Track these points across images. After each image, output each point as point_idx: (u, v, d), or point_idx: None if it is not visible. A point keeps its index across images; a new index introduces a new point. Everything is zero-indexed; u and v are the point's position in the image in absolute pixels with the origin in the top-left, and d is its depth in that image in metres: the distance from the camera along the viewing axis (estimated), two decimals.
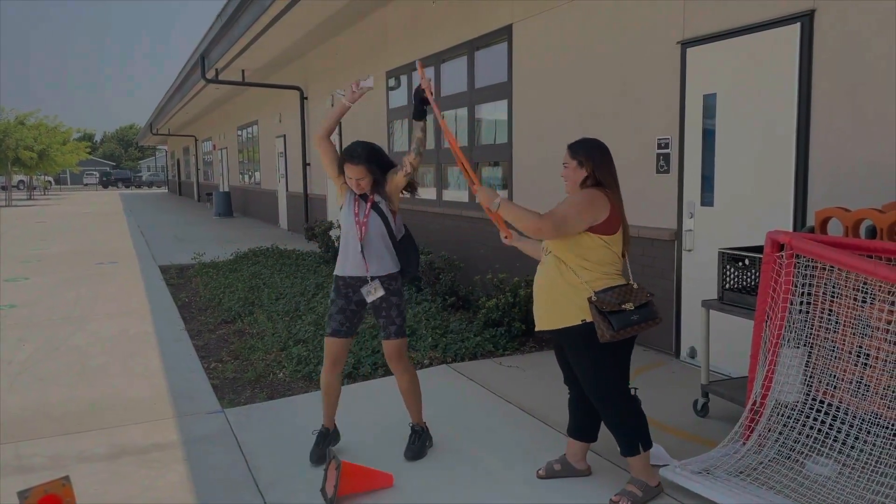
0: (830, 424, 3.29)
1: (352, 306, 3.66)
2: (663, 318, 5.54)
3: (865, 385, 3.18)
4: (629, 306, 3.07)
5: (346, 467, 3.22)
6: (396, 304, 3.64)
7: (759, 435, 3.46)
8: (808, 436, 3.36)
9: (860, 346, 3.20)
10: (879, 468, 3.10)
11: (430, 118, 3.72)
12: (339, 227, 10.83)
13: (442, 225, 9.09)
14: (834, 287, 3.30)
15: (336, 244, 10.70)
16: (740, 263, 3.99)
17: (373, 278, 3.59)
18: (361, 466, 3.39)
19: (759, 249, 3.95)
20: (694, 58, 5.10)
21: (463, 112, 8.42)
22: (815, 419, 3.34)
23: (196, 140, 34.24)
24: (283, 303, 7.42)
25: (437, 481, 3.48)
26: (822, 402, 3.35)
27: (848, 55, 4.11)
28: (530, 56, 7.02)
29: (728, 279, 4.03)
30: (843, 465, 3.26)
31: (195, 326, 6.89)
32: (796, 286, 3.40)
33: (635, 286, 3.17)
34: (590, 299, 3.06)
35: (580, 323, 3.10)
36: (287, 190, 17.37)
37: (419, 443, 3.76)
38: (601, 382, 3.16)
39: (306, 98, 15.13)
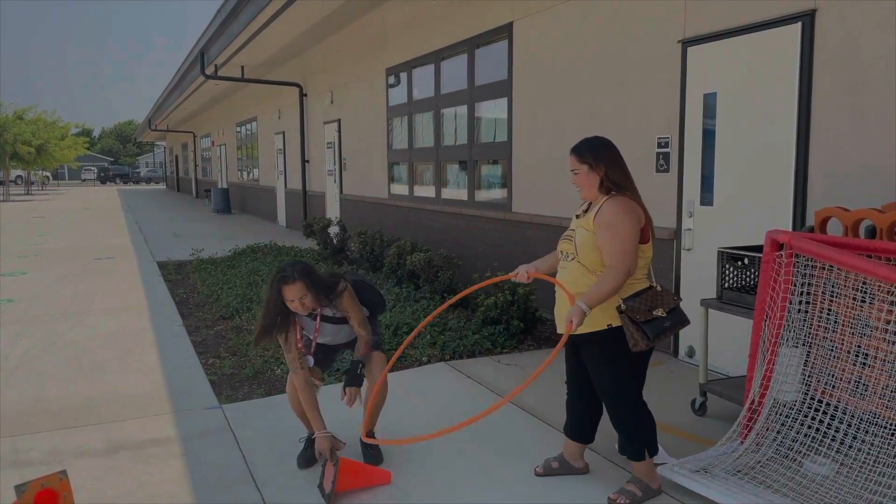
0: (829, 424, 3.29)
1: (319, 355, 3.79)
2: None
3: (864, 385, 3.18)
4: (660, 312, 3.01)
5: (344, 464, 3.22)
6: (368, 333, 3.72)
7: (757, 434, 3.46)
8: (806, 435, 3.37)
9: (859, 346, 3.21)
10: (877, 468, 3.10)
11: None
12: (337, 225, 10.82)
13: (441, 223, 9.09)
14: (833, 287, 3.30)
15: (335, 241, 10.70)
16: (739, 263, 3.99)
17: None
18: (360, 463, 3.39)
19: (758, 249, 3.95)
20: (694, 57, 5.09)
21: (462, 110, 8.41)
22: (813, 418, 3.34)
23: (195, 136, 34.20)
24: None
25: (435, 479, 3.48)
26: (820, 401, 3.35)
27: (848, 55, 4.11)
28: (531, 54, 7.01)
29: (727, 278, 4.03)
30: (841, 464, 3.26)
31: (193, 322, 6.88)
32: (795, 285, 3.40)
33: (659, 288, 3.12)
34: (619, 309, 3.00)
35: (606, 328, 3.06)
36: (286, 187, 17.35)
37: (376, 448, 3.71)
38: (619, 388, 3.13)
39: (305, 95, 15.11)
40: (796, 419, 3.40)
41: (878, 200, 3.98)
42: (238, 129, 23.24)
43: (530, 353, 5.71)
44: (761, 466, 3.36)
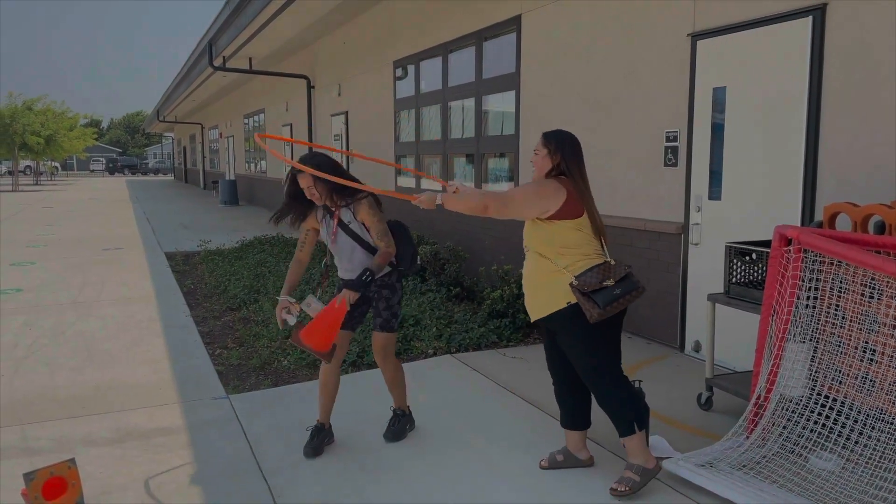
0: (835, 420, 3.28)
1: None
2: (667, 310, 5.55)
3: (871, 381, 3.17)
4: (609, 282, 3.09)
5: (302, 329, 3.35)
6: (386, 298, 3.66)
7: (763, 429, 3.46)
8: (812, 430, 3.36)
9: (866, 342, 3.20)
10: (883, 463, 3.09)
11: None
12: None
13: (447, 215, 9.09)
14: (841, 282, 3.29)
15: None
16: (747, 257, 3.98)
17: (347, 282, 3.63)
18: (316, 321, 3.40)
19: (766, 244, 3.94)
20: (704, 50, 5.07)
21: (470, 103, 8.39)
22: (819, 414, 3.34)
23: (203, 128, 34.25)
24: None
25: (440, 471, 3.49)
26: (826, 397, 3.34)
27: (859, 50, 4.08)
28: (539, 47, 6.99)
29: (735, 273, 4.02)
30: (847, 460, 3.26)
31: (200, 313, 6.91)
32: (803, 281, 3.39)
33: (612, 262, 3.19)
34: (571, 284, 3.10)
35: (566, 305, 3.14)
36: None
37: (399, 425, 3.84)
38: (593, 361, 3.18)
39: (313, 87, 15.11)
40: (802, 415, 3.40)
41: (887, 196, 3.96)
42: (246, 120, 23.26)
43: (536, 347, 5.71)
44: (767, 461, 3.36)
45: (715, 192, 5.08)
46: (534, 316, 3.30)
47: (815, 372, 3.39)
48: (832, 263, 3.31)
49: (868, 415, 3.16)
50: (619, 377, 3.23)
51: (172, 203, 23.73)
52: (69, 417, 4.19)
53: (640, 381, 3.73)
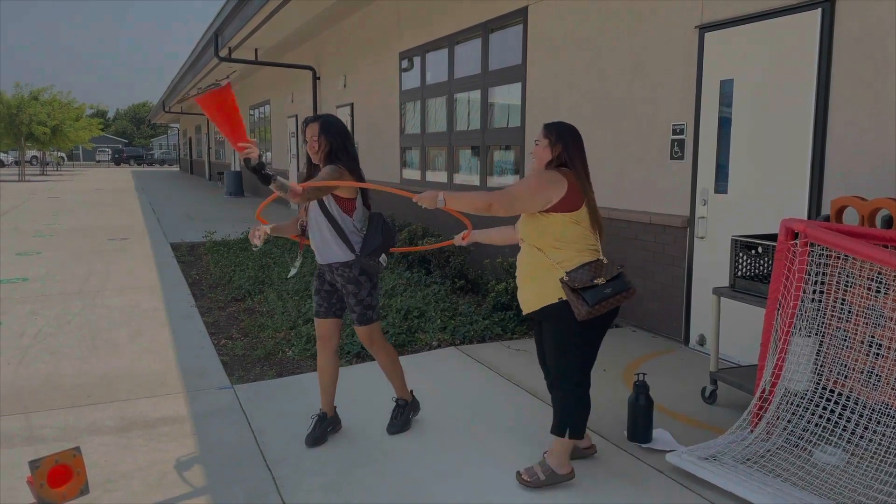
0: (840, 414, 3.27)
1: (325, 287, 3.67)
2: (672, 304, 5.53)
3: (876, 375, 3.16)
4: (600, 281, 3.08)
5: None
6: (353, 293, 3.56)
7: (768, 423, 3.45)
8: (816, 424, 3.35)
9: (872, 336, 3.18)
10: (888, 458, 3.09)
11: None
12: None
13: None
14: (848, 276, 3.28)
15: None
16: (753, 251, 3.96)
17: (322, 266, 3.62)
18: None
19: (772, 237, 3.92)
20: (712, 43, 5.04)
21: (476, 95, 8.37)
22: (824, 408, 3.33)
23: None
24: (292, 282, 7.44)
25: (444, 461, 3.50)
26: (831, 391, 3.33)
27: (869, 43, 4.05)
28: (545, 39, 6.96)
29: (741, 267, 4.00)
30: (852, 454, 3.25)
31: (205, 303, 6.93)
32: (809, 275, 3.38)
33: (605, 260, 3.17)
34: (562, 280, 3.09)
35: (557, 301, 3.13)
36: (298, 170, 17.37)
37: (402, 417, 3.83)
38: (567, 359, 3.17)
39: (319, 78, 15.09)
40: (807, 409, 3.39)
41: (895, 190, 3.94)
42: (251, 112, 23.26)
43: None
44: (771, 455, 3.35)
45: (721, 185, 5.05)
46: (525, 309, 3.29)
47: (821, 366, 3.38)
48: (839, 257, 3.29)
49: (873, 409, 3.16)
50: (582, 381, 3.20)
51: (178, 194, 23.76)
52: (74, 406, 4.21)
53: (644, 374, 3.73)
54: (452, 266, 7.39)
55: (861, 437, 3.20)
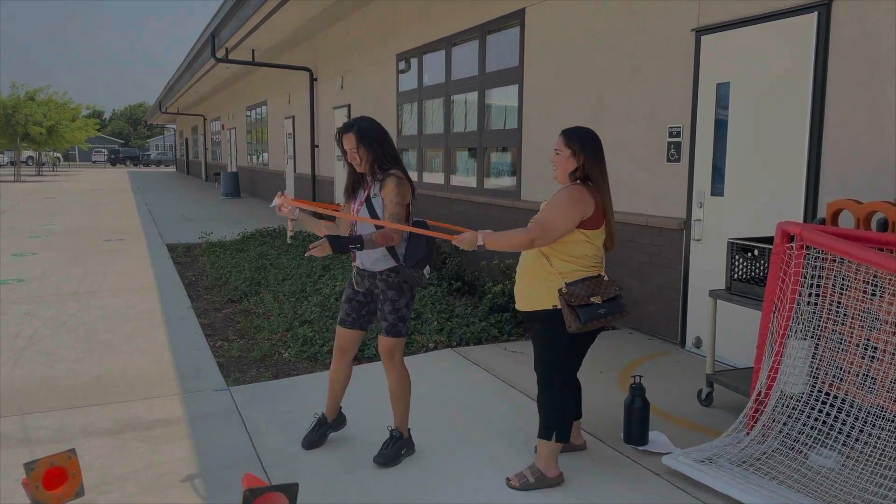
0: (835, 417, 3.28)
1: (358, 297, 3.53)
2: (668, 306, 5.54)
3: (872, 378, 3.17)
4: (597, 300, 3.10)
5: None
6: (391, 300, 3.39)
7: (764, 425, 3.46)
8: (812, 427, 3.36)
9: (868, 339, 3.19)
10: (883, 461, 3.10)
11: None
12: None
13: (449, 209, 9.08)
14: (843, 279, 3.28)
15: None
16: (749, 254, 3.97)
17: (363, 271, 3.46)
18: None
19: (768, 240, 3.93)
20: (708, 46, 5.05)
21: (473, 97, 8.37)
22: (820, 411, 3.33)
23: (205, 119, 34.22)
24: (289, 283, 7.44)
25: (441, 464, 3.49)
26: (827, 394, 3.34)
27: (865, 46, 4.06)
28: (542, 41, 6.97)
29: (737, 269, 4.01)
30: (847, 457, 3.26)
31: (201, 305, 6.92)
32: (805, 278, 3.39)
33: (605, 278, 3.20)
34: (560, 291, 3.10)
35: (550, 308, 3.15)
36: (295, 171, 17.36)
37: (393, 449, 3.48)
38: (550, 365, 3.20)
39: (316, 79, 15.08)
40: (803, 411, 3.39)
41: (891, 193, 3.95)
42: (248, 112, 23.24)
43: None
44: (767, 458, 3.36)
45: (717, 188, 5.06)
46: (519, 306, 3.33)
47: (816, 369, 3.38)
48: (834, 260, 3.30)
49: (869, 412, 3.16)
50: (567, 384, 3.23)
51: (174, 195, 23.72)
52: (70, 408, 4.20)
53: (640, 376, 3.73)
54: (449, 268, 7.39)
55: (856, 439, 3.21)
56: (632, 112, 5.82)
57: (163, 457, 3.55)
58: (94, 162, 68.46)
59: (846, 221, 3.99)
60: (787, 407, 3.44)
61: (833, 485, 3.10)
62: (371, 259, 3.40)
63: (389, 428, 3.60)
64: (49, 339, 5.66)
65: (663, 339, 5.67)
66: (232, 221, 14.89)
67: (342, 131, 3.38)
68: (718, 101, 5.00)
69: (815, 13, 4.28)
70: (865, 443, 3.18)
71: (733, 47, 4.85)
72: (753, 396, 3.53)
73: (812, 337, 3.40)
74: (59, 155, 53.92)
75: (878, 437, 3.13)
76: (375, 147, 3.34)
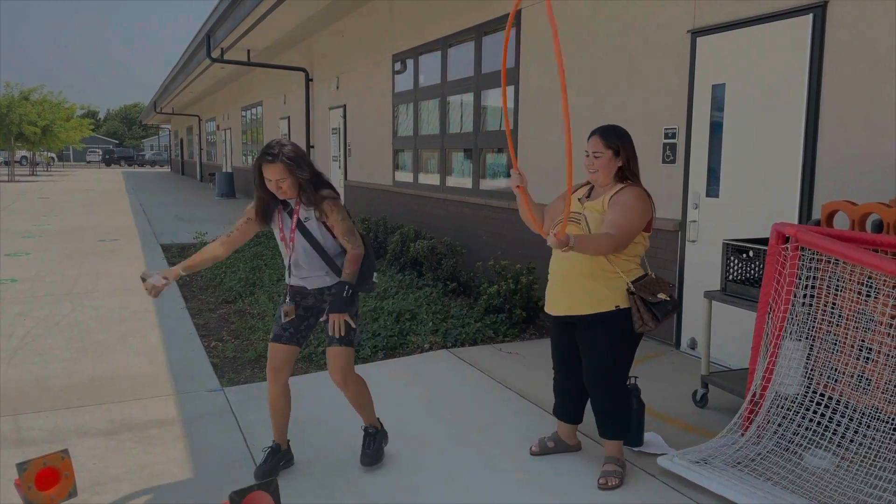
0: (830, 418, 3.29)
1: (298, 311, 3.35)
2: None
3: (866, 379, 3.17)
4: (663, 296, 3.11)
5: None
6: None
7: (758, 426, 3.46)
8: (807, 428, 3.36)
9: (862, 341, 3.20)
10: (878, 462, 3.10)
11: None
12: None
13: (445, 210, 9.07)
14: (838, 281, 3.29)
15: None
16: (744, 255, 3.98)
17: (305, 289, 3.33)
18: None
19: (763, 241, 3.93)
20: (704, 47, 5.06)
21: (469, 98, 8.37)
22: (814, 412, 3.34)
23: (200, 120, 34.15)
24: (284, 284, 7.42)
25: (436, 465, 3.49)
26: (822, 395, 3.34)
27: (860, 48, 4.08)
28: (538, 42, 6.97)
29: (732, 270, 4.02)
30: (842, 458, 3.26)
31: (196, 305, 6.90)
32: (800, 279, 3.39)
33: (654, 276, 3.22)
34: (630, 290, 3.10)
35: (614, 309, 3.11)
36: None
37: (375, 446, 3.42)
38: (613, 370, 3.20)
39: (311, 80, 15.06)
40: (797, 412, 3.40)
41: (885, 195, 3.96)
42: (243, 113, 23.20)
43: (532, 342, 5.71)
44: (761, 459, 3.36)
45: (713, 189, 5.07)
46: (565, 311, 3.20)
47: (811, 370, 3.39)
48: (829, 261, 3.31)
49: (863, 413, 3.17)
50: (626, 386, 3.31)
51: (169, 195, 23.67)
52: (63, 408, 4.17)
53: (635, 377, 3.73)
54: (445, 268, 7.39)
55: (851, 440, 3.22)
56: (628, 113, 5.83)
57: (157, 457, 3.54)
58: (89, 162, 68.21)
59: (841, 223, 4.00)
60: (782, 408, 3.44)
61: (827, 486, 3.10)
62: (314, 282, 3.31)
63: (363, 427, 3.50)
64: (43, 339, 5.64)
65: (658, 341, 5.68)
66: (227, 222, 14.86)
67: (265, 160, 3.09)
68: (714, 103, 5.01)
69: (811, 15, 4.29)
70: (860, 444, 3.19)
71: (729, 49, 4.86)
72: (748, 397, 3.53)
73: (807, 338, 3.41)
74: (54, 155, 53.73)
75: (873, 439, 3.13)
76: (304, 172, 3.14)
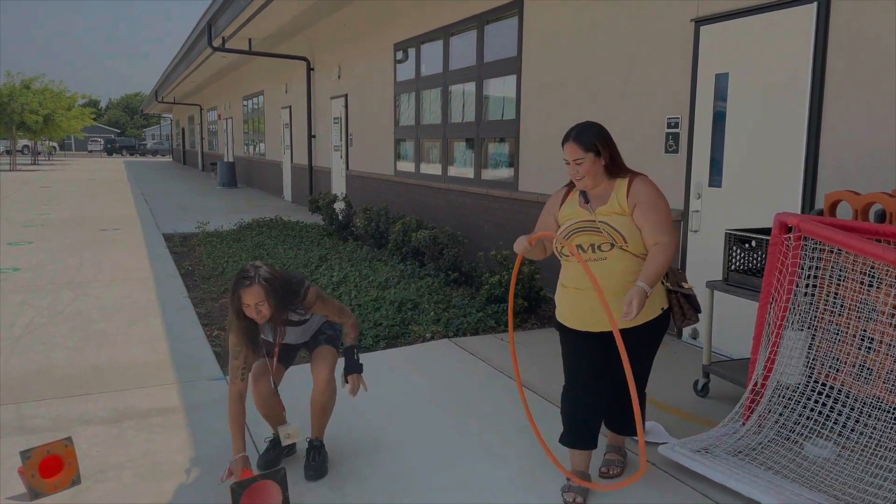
0: (831, 407, 3.29)
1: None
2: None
3: (868, 369, 3.17)
4: (688, 286, 3.06)
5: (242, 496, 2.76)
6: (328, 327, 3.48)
7: (759, 416, 3.47)
8: (808, 418, 3.37)
9: (864, 331, 3.20)
10: (879, 451, 3.11)
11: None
12: (343, 201, 10.75)
13: (446, 200, 9.06)
14: (841, 270, 3.29)
15: (340, 217, 10.68)
16: (747, 245, 3.97)
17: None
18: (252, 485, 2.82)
19: (766, 231, 3.93)
20: (707, 36, 5.03)
21: (470, 87, 8.35)
22: (815, 402, 3.34)
23: (201, 109, 34.09)
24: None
25: (437, 454, 3.50)
26: (823, 384, 3.35)
27: (864, 38, 4.05)
28: (541, 31, 6.94)
29: (734, 260, 4.01)
30: (843, 447, 3.27)
31: (198, 294, 6.90)
32: (802, 269, 3.39)
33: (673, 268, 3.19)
34: (668, 289, 3.04)
35: (661, 312, 3.03)
36: (292, 161, 17.32)
37: (320, 458, 3.29)
38: (648, 365, 3.17)
39: (313, 69, 15.02)
40: (799, 402, 3.40)
41: (888, 184, 3.95)
42: (245, 102, 23.15)
43: (533, 332, 5.72)
44: (762, 448, 3.37)
45: (715, 179, 5.06)
46: (621, 326, 2.92)
47: (813, 360, 3.39)
48: (832, 251, 3.30)
49: (864, 403, 3.17)
50: None
51: (170, 184, 23.66)
52: (66, 396, 4.19)
53: None
54: (446, 258, 7.39)
55: (852, 430, 3.22)
56: (630, 102, 5.81)
57: (159, 445, 3.55)
58: (90, 151, 68.14)
59: (844, 213, 3.99)
60: (783, 397, 3.45)
61: (828, 475, 3.11)
62: (300, 336, 3.38)
63: (308, 439, 3.36)
64: (45, 328, 5.65)
65: None
66: (228, 211, 14.85)
67: (241, 285, 2.93)
68: (717, 92, 4.99)
69: (815, 4, 4.26)
70: (861, 433, 3.19)
71: (732, 38, 4.84)
72: (750, 387, 3.53)
73: (809, 328, 3.41)
74: (55, 144, 53.70)
75: (874, 428, 3.14)
76: (280, 293, 3.00)
